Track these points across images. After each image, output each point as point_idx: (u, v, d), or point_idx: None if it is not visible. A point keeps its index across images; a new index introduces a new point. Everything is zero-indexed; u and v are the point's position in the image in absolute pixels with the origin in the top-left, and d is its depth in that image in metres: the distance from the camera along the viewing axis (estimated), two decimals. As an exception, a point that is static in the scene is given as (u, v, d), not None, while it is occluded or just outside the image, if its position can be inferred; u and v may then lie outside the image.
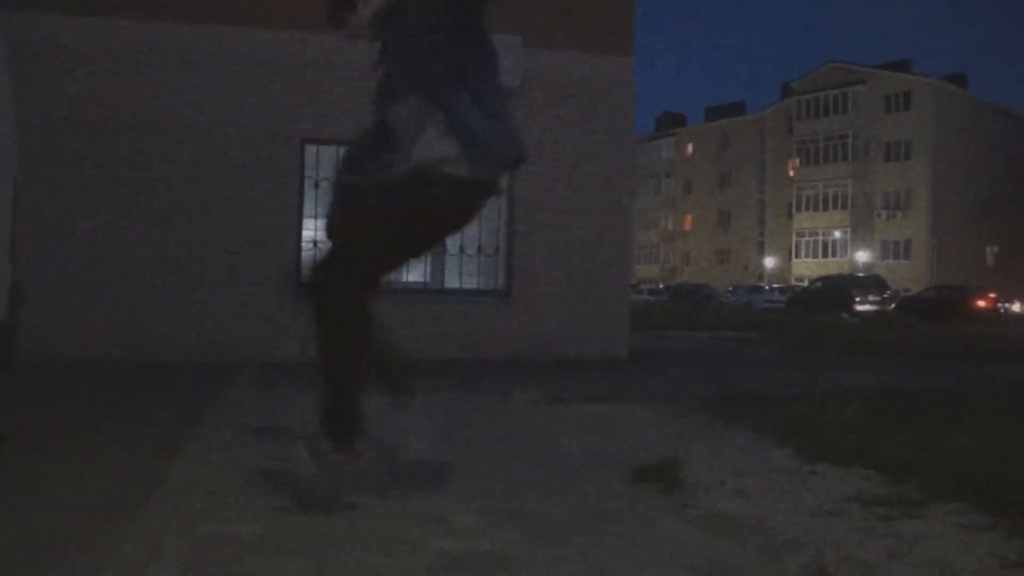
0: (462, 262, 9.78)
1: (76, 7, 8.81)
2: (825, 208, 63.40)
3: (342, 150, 10.36)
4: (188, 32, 9.01)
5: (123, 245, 8.84)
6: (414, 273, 9.77)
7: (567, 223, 9.90)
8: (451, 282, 9.83)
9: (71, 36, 8.81)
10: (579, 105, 9.94)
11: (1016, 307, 31.75)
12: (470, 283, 9.90)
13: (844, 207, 62.37)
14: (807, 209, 64.43)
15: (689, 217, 79.14)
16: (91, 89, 8.84)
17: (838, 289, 34.78)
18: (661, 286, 61.59)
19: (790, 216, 66.16)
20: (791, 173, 65.89)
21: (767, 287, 51.35)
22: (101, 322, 8.65)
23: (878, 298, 33.69)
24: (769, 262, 69.59)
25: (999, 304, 30.57)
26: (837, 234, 62.77)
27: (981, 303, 29.56)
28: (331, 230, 3.33)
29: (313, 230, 9.47)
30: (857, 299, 32.74)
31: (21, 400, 4.98)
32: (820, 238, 63.81)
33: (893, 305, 32.84)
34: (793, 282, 57.62)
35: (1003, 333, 18.32)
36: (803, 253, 64.74)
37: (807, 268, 61.11)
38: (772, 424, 4.77)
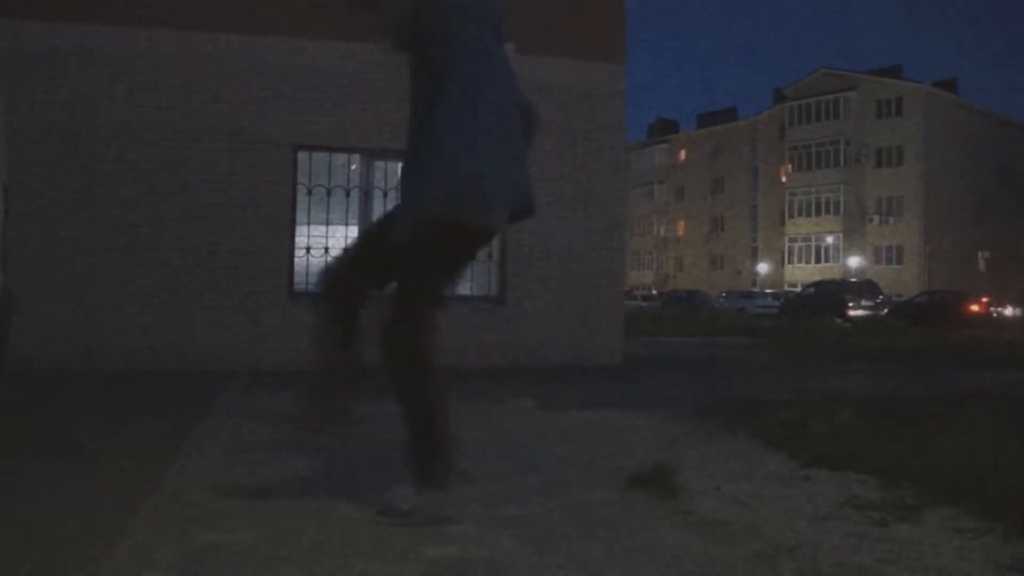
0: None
1: (65, 14, 8.78)
2: (817, 213, 63.56)
3: (335, 156, 10.28)
4: (178, 40, 8.99)
5: (114, 254, 8.80)
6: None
7: (560, 229, 9.90)
8: (444, 288, 9.81)
9: (59, 43, 8.79)
10: (571, 112, 9.95)
11: (1009, 311, 31.85)
12: (462, 289, 9.90)
13: (836, 212, 62.54)
14: (800, 215, 64.60)
15: (682, 223, 79.27)
16: (81, 97, 8.81)
17: (831, 294, 34.84)
18: (654, 292, 61.67)
19: (783, 222, 66.32)
20: (783, 179, 66.07)
21: (760, 292, 51.44)
22: (92, 331, 8.62)
23: (871, 303, 33.76)
24: (762, 268, 69.73)
25: (992, 308, 30.65)
26: (830, 239, 62.94)
27: (974, 307, 29.65)
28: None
29: (306, 236, 9.46)
30: (850, 304, 32.79)
31: (12, 408, 4.97)
32: (813, 243, 63.97)
33: (886, 310, 32.91)
34: (786, 287, 57.72)
35: (996, 337, 18.36)
36: (796, 258, 64.88)
37: (800, 273, 61.24)
38: (766, 429, 4.77)
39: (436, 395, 3.04)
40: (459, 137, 2.92)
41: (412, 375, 3.03)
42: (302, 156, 9.42)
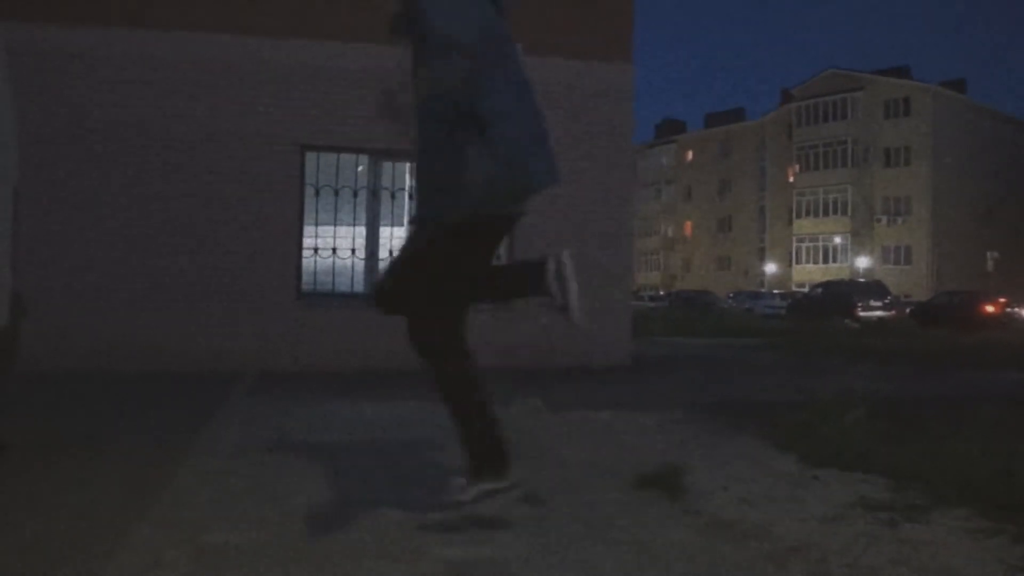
0: (463, 269, 9.76)
1: (76, 17, 8.81)
2: (825, 214, 63.45)
3: (342, 157, 10.23)
4: (186, 41, 9.01)
5: (122, 254, 8.82)
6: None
7: (567, 230, 9.87)
8: (452, 289, 9.80)
9: (71, 46, 8.81)
10: (579, 112, 9.94)
11: None
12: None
13: (844, 213, 62.43)
14: (807, 215, 64.48)
15: (689, 224, 79.20)
16: (90, 99, 8.84)
17: (839, 295, 34.72)
18: (662, 293, 61.64)
19: (790, 222, 66.21)
20: (791, 179, 65.97)
21: (768, 293, 51.34)
22: (100, 332, 8.63)
23: (879, 303, 33.66)
24: (770, 268, 69.62)
25: (1011, 308, 30.55)
26: (837, 240, 62.81)
27: (995, 308, 29.63)
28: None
29: (313, 237, 9.46)
30: (860, 305, 32.69)
31: (22, 409, 4.97)
32: (820, 244, 63.85)
33: (908, 310, 32.87)
34: (794, 288, 57.60)
35: (1016, 338, 18.22)
36: (804, 259, 64.77)
37: (808, 274, 61.13)
38: (775, 430, 4.75)
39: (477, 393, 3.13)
40: (511, 122, 2.99)
41: (448, 374, 3.12)
42: (310, 156, 9.43)
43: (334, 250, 9.49)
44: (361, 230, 9.58)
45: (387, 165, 9.60)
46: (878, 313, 31.61)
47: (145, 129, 8.92)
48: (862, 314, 31.17)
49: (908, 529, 3.00)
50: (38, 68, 8.68)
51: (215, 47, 9.08)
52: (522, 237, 9.76)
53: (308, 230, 9.45)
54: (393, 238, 9.79)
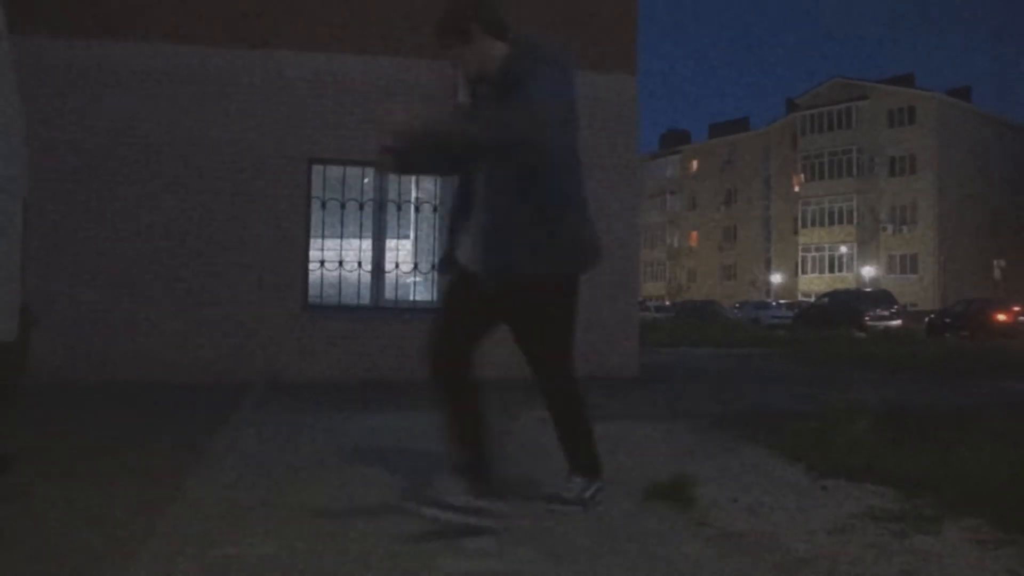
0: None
1: (85, 29, 8.87)
2: (831, 223, 63.37)
3: (349, 170, 10.27)
4: (193, 54, 9.06)
5: (129, 266, 8.85)
6: (421, 291, 9.78)
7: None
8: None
9: (77, 59, 8.87)
10: (583, 123, 9.88)
11: None
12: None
13: (850, 222, 62.35)
14: (813, 224, 64.41)
15: (695, 234, 79.15)
16: (99, 110, 8.88)
17: (845, 304, 34.67)
18: (668, 303, 61.57)
19: (796, 231, 66.14)
20: (796, 188, 65.91)
21: (774, 303, 51.26)
22: (108, 343, 8.66)
23: (886, 313, 33.58)
24: (776, 278, 69.51)
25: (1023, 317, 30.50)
26: (843, 249, 62.71)
27: (1004, 316, 29.72)
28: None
29: (320, 250, 9.49)
30: (868, 314, 32.60)
31: (31, 422, 4.99)
32: (826, 253, 63.76)
33: (927, 319, 32.80)
34: (800, 297, 57.51)
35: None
36: (809, 268, 64.66)
37: (814, 283, 61.04)
38: (783, 440, 4.75)
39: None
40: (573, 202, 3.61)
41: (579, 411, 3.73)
42: (316, 169, 9.46)
43: (340, 263, 9.51)
44: (367, 243, 9.60)
45: (393, 178, 9.62)
46: (885, 323, 31.52)
47: (152, 142, 8.96)
48: (869, 324, 31.07)
49: (918, 540, 2.99)
50: (45, 82, 8.74)
51: (221, 60, 9.12)
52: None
53: (315, 243, 9.47)
54: (399, 250, 9.80)
